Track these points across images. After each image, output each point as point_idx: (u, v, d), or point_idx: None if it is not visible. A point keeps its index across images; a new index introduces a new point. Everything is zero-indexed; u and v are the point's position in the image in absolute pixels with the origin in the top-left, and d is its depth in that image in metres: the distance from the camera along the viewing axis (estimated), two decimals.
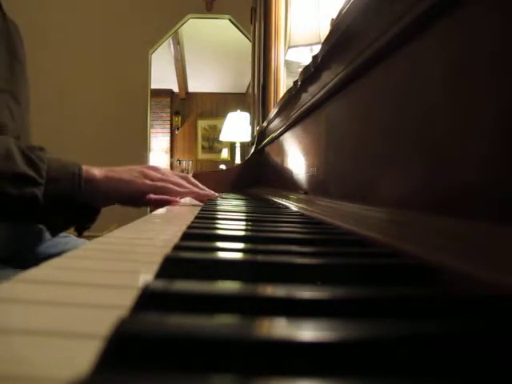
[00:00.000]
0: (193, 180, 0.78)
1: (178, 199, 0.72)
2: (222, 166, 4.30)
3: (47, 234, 0.76)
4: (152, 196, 0.73)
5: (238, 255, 0.26)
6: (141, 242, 0.33)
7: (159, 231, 0.42)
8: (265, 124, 1.37)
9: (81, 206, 0.63)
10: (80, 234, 0.78)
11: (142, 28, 3.18)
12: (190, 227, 0.37)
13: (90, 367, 0.11)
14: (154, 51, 3.28)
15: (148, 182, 0.68)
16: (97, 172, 0.65)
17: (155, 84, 3.62)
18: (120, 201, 0.73)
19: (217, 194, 0.81)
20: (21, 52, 0.75)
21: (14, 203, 0.56)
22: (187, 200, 0.94)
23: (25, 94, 0.75)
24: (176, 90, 5.83)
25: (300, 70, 0.76)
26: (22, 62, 0.75)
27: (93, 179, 0.63)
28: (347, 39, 0.49)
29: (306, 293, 0.16)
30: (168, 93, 5.80)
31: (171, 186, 0.70)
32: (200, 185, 0.78)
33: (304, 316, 0.14)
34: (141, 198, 0.71)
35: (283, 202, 0.81)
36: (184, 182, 0.74)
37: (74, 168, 0.61)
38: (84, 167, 0.63)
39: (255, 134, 1.66)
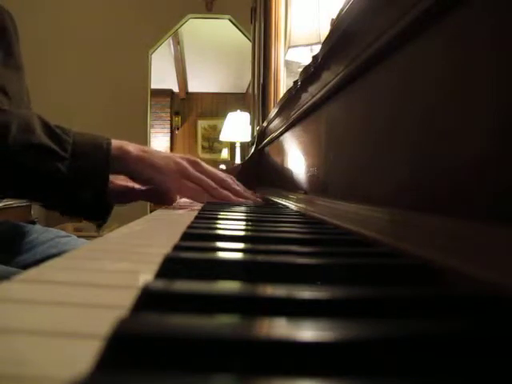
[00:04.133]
0: (231, 185, 0.67)
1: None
2: (222, 166, 4.29)
3: (47, 234, 0.76)
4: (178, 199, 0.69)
5: (238, 255, 0.26)
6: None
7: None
8: (265, 124, 1.37)
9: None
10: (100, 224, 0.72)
11: (142, 28, 3.18)
12: (189, 227, 0.37)
13: (89, 367, 0.11)
14: (154, 51, 3.28)
15: (181, 180, 0.62)
16: (132, 149, 0.60)
17: (155, 84, 3.62)
18: (144, 194, 0.68)
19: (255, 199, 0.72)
20: (15, 45, 0.72)
21: (36, 178, 0.53)
22: (187, 200, 0.94)
23: (18, 89, 0.71)
24: (176, 90, 5.82)
25: (300, 70, 0.76)
26: (15, 55, 0.72)
27: (125, 156, 0.59)
28: (347, 39, 0.49)
29: (305, 293, 0.16)
30: (168, 93, 5.79)
31: (200, 192, 0.63)
32: (240, 187, 0.69)
33: (304, 316, 0.14)
34: (165, 194, 0.66)
35: (283, 202, 0.81)
36: (217, 187, 0.65)
37: (103, 142, 0.57)
38: (117, 142, 0.59)
39: (255, 134, 1.66)
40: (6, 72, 0.68)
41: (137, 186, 0.75)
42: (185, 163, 0.64)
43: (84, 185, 0.56)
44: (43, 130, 0.53)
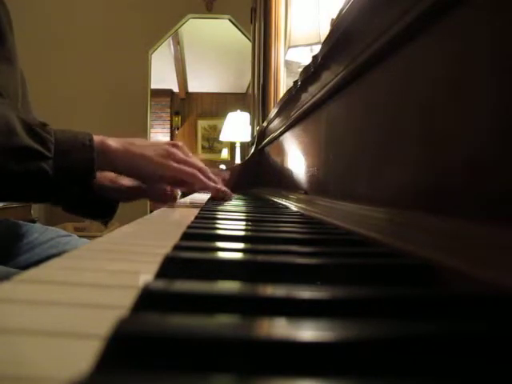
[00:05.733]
0: (211, 174, 0.69)
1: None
2: (222, 166, 4.29)
3: (48, 234, 0.76)
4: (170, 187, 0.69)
5: (238, 255, 0.26)
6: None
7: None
8: (265, 124, 1.37)
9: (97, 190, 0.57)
10: (105, 224, 0.74)
11: (142, 28, 3.18)
12: (189, 227, 0.37)
13: (89, 367, 0.11)
14: (154, 51, 3.29)
15: (174, 164, 0.62)
16: (113, 143, 0.59)
17: (155, 84, 3.62)
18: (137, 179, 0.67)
19: (231, 194, 0.74)
20: (8, 36, 0.70)
21: (21, 180, 0.52)
22: (187, 200, 0.94)
23: (9, 82, 0.69)
24: (176, 90, 5.82)
25: (300, 70, 0.76)
26: (8, 47, 0.69)
27: (108, 151, 0.58)
28: (347, 39, 0.49)
29: (305, 293, 0.16)
30: (168, 93, 5.80)
31: (198, 174, 0.63)
32: (216, 179, 0.71)
33: (304, 316, 0.14)
34: (160, 180, 0.66)
35: (283, 202, 0.81)
36: (207, 176, 0.66)
37: (85, 138, 0.56)
38: (97, 138, 0.58)
39: (255, 134, 1.66)
40: None
41: (141, 184, 0.75)
42: (174, 150, 0.63)
43: (70, 183, 0.55)
44: (24, 129, 0.52)
